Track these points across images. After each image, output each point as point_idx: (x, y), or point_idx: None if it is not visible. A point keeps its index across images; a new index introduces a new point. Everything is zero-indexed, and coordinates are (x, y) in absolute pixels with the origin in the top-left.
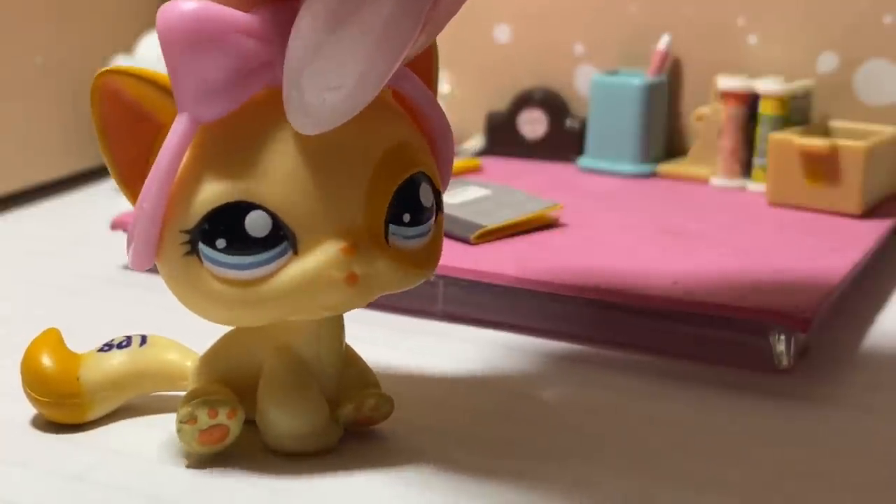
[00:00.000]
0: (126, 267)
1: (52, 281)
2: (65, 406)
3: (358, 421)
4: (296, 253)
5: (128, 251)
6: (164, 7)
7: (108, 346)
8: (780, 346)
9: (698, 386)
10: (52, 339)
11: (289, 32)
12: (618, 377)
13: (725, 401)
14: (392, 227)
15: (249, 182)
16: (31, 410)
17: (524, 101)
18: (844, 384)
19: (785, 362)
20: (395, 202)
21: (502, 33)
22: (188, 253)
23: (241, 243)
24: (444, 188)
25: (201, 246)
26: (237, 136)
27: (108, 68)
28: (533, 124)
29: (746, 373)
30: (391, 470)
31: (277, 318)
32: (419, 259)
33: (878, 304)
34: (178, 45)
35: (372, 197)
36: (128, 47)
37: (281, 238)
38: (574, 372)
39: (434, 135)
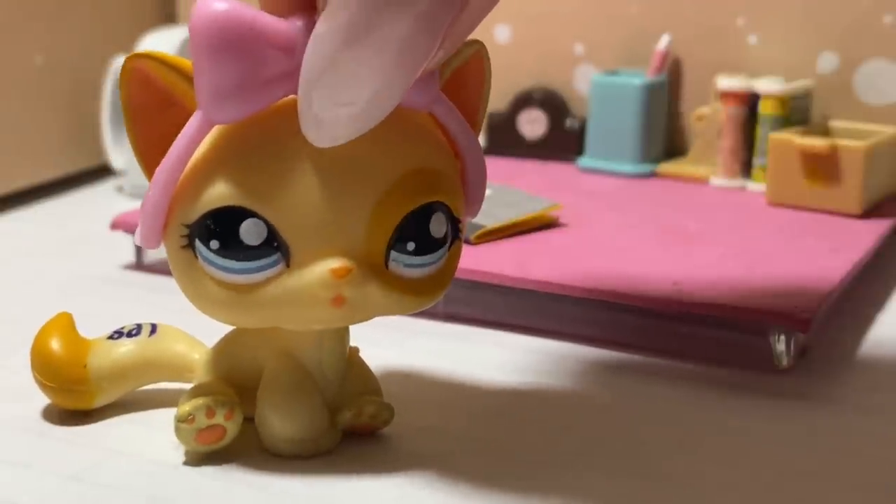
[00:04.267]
0: (126, 267)
1: (52, 281)
2: (71, 392)
3: (356, 427)
4: (288, 266)
5: (137, 228)
6: (198, 4)
7: (117, 334)
8: (780, 346)
9: (698, 386)
10: (62, 323)
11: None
12: (618, 377)
13: (725, 401)
14: (393, 254)
15: (252, 189)
16: (32, 410)
17: (524, 101)
18: (844, 384)
19: (785, 362)
20: (402, 229)
21: (502, 33)
22: (185, 246)
23: (233, 248)
24: (474, 215)
25: (197, 243)
26: (250, 141)
27: (139, 52)
28: (533, 124)
29: (746, 373)
30: (391, 471)
31: (267, 324)
32: (420, 287)
33: (878, 304)
34: (202, 44)
35: (376, 220)
36: (128, 47)
37: (274, 249)
38: (575, 372)
39: (465, 165)
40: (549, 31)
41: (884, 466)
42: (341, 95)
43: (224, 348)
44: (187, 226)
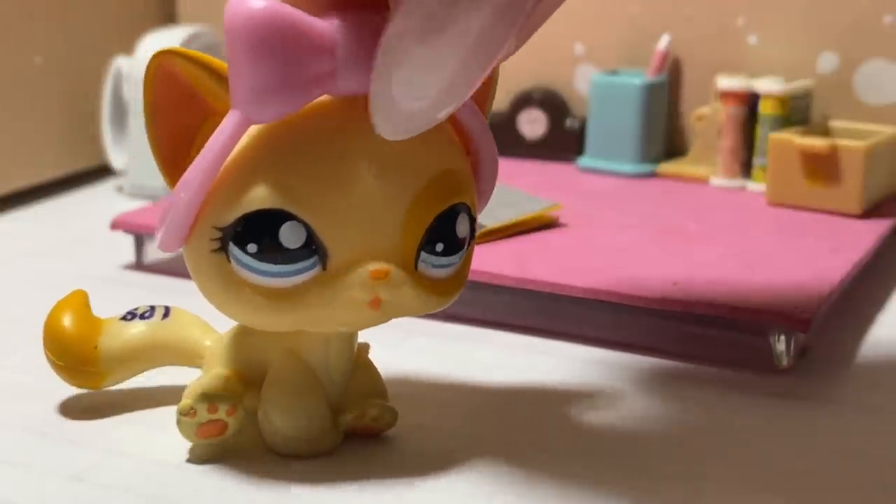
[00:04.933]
0: (126, 267)
1: (52, 281)
2: (81, 372)
3: (358, 429)
4: (324, 268)
5: (157, 231)
6: (233, 2)
7: (131, 315)
8: (780, 346)
9: (698, 386)
10: (77, 301)
11: (355, 42)
12: (618, 377)
13: (725, 401)
14: (423, 255)
15: (292, 192)
16: (32, 410)
17: (524, 101)
18: (844, 384)
19: (785, 362)
20: (432, 230)
21: None
22: (217, 250)
23: (272, 251)
24: (481, 211)
25: (231, 246)
26: (288, 143)
27: (165, 48)
28: (533, 124)
29: (746, 373)
30: (390, 470)
31: (294, 328)
32: (443, 287)
33: (878, 304)
34: (240, 43)
35: (410, 223)
36: (128, 47)
37: (312, 252)
38: (574, 372)
39: (479, 160)
40: (549, 31)
41: (884, 466)
42: (417, 88)
43: (233, 341)
44: (220, 228)
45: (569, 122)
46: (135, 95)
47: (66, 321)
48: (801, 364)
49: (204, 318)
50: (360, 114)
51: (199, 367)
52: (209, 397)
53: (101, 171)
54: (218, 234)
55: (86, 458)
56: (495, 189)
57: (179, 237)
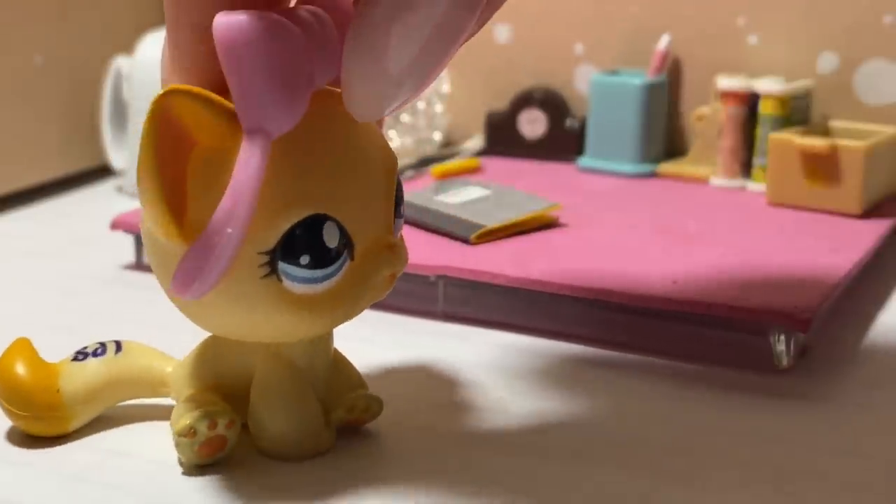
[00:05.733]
0: (126, 267)
1: (52, 281)
2: (48, 419)
3: (349, 422)
4: (352, 258)
5: (186, 282)
6: (223, 22)
7: (82, 355)
8: (780, 346)
9: (698, 386)
10: (23, 349)
11: (320, 33)
12: (618, 377)
13: (725, 401)
14: (397, 221)
15: (317, 193)
16: None
17: (524, 100)
18: (844, 383)
19: (785, 362)
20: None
21: (502, 33)
22: (268, 274)
23: (322, 256)
24: None
25: (282, 265)
26: (295, 148)
27: (165, 89)
28: (533, 124)
29: (746, 373)
30: (389, 471)
31: (336, 325)
32: (403, 243)
33: (878, 303)
34: (251, 58)
35: (389, 190)
36: (128, 47)
37: (345, 245)
38: (574, 372)
39: None
40: (549, 31)
41: (884, 466)
42: (385, 71)
43: (205, 356)
44: (266, 252)
45: (569, 122)
46: (135, 95)
47: (21, 371)
48: (801, 364)
49: (187, 335)
50: (333, 102)
51: (164, 395)
52: (208, 414)
53: (101, 171)
54: (265, 259)
55: (86, 458)
56: (495, 189)
57: (220, 276)
